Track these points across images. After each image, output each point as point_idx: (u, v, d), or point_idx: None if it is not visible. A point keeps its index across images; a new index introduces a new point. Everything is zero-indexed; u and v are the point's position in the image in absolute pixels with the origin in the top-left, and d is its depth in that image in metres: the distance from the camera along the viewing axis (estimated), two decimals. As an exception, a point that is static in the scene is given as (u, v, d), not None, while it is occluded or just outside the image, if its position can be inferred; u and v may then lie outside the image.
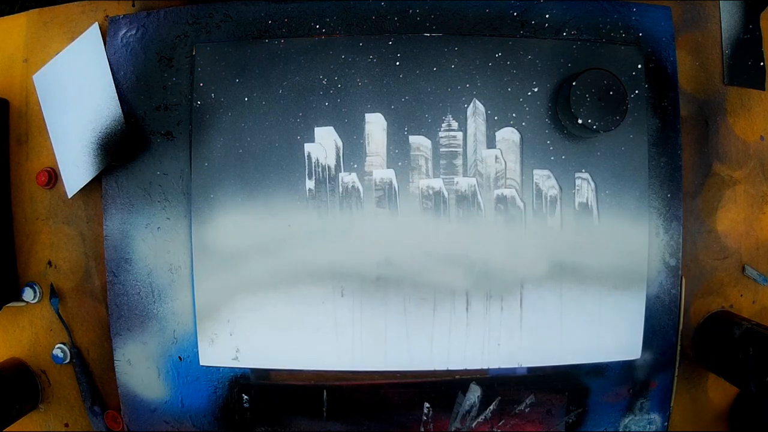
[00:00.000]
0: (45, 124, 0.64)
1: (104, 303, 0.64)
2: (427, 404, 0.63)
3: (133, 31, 0.63)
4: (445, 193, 0.61)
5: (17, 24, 0.66)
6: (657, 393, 0.65)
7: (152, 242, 0.62)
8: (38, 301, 0.66)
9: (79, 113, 0.62)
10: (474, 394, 0.63)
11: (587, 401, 0.64)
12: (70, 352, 0.65)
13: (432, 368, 0.61)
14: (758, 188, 0.67)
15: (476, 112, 0.61)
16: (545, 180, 0.61)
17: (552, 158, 0.61)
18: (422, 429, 0.63)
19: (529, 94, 0.61)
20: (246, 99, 0.61)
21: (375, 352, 0.60)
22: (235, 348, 0.61)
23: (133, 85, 0.62)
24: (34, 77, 0.64)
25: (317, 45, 0.61)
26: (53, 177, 0.65)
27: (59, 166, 0.63)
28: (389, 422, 0.62)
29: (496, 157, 0.61)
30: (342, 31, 0.62)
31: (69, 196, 0.63)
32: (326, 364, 0.61)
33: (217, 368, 0.62)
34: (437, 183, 0.61)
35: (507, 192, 0.61)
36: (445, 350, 0.61)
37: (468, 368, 0.62)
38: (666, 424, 0.65)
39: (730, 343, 0.61)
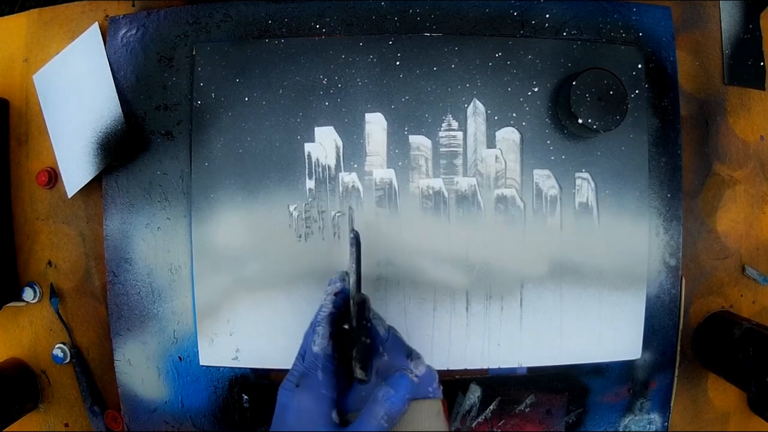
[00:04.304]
0: (45, 124, 0.64)
1: (104, 303, 0.64)
2: (427, 404, 0.63)
3: (133, 31, 0.63)
4: (445, 193, 0.61)
5: (17, 24, 0.66)
6: (657, 393, 0.65)
7: (152, 242, 0.62)
8: (38, 301, 0.66)
9: (79, 113, 0.62)
10: (474, 394, 0.63)
11: (587, 401, 0.64)
12: (70, 352, 0.65)
13: (432, 368, 0.61)
14: (758, 188, 0.66)
15: (476, 111, 0.61)
16: (545, 180, 0.61)
17: (552, 158, 0.61)
18: (422, 429, 0.63)
19: (529, 94, 0.61)
20: (246, 99, 0.61)
21: (375, 352, 0.60)
22: (236, 348, 0.61)
23: (133, 85, 0.62)
24: (34, 77, 0.64)
25: (317, 45, 0.61)
26: (53, 177, 0.65)
27: (59, 166, 0.63)
28: (389, 422, 0.62)
29: (496, 157, 0.61)
30: (342, 31, 0.62)
31: (69, 196, 0.63)
32: (326, 364, 0.60)
33: (217, 368, 0.62)
34: (437, 183, 0.61)
35: (507, 192, 0.61)
36: (445, 350, 0.61)
37: (468, 368, 0.62)
38: (666, 424, 0.65)
39: (730, 343, 0.61)
